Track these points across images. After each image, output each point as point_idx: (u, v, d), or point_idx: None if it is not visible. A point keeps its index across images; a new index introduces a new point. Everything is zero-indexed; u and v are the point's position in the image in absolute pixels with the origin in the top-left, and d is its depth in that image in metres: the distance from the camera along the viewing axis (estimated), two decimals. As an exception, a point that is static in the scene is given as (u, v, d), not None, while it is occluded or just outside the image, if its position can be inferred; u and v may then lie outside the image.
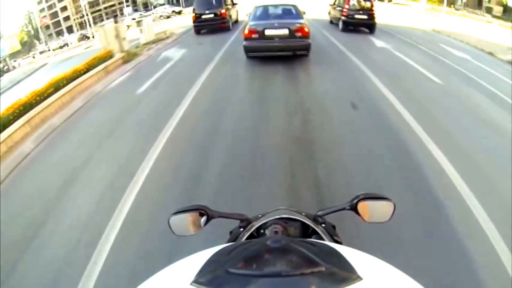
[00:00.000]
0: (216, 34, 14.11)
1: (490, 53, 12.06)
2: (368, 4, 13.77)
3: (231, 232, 1.47)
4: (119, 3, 63.38)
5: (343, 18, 13.68)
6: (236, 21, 17.37)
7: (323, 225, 1.36)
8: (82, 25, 57.02)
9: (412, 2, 36.60)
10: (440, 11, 28.17)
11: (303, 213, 1.39)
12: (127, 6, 62.28)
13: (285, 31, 7.97)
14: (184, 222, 1.29)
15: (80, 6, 64.08)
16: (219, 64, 9.09)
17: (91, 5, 70.72)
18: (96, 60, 10.06)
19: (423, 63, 9.14)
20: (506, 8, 42.58)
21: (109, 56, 10.69)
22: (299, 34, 8.02)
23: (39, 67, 29.38)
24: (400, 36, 13.79)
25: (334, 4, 15.59)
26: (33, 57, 42.82)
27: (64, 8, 73.87)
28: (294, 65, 8.30)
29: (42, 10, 80.00)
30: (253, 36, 8.09)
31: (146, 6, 64.94)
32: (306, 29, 8.07)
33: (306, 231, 1.32)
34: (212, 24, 14.67)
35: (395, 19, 17.98)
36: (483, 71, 9.11)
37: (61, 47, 42.21)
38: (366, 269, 0.74)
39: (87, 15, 37.77)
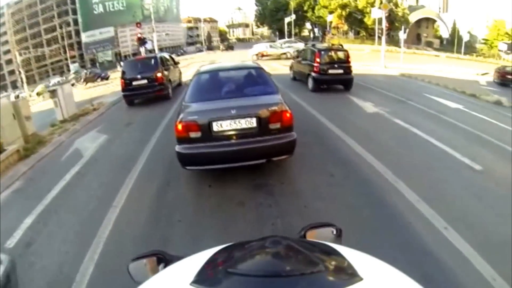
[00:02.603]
0: (153, 105, 11.00)
1: (473, 95, 12.37)
2: (342, 55, 11.29)
3: None
4: (66, 59, 59.77)
5: (313, 75, 10.91)
6: (179, 84, 14.38)
7: None
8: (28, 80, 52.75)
9: (363, 46, 37.06)
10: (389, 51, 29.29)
11: None
12: (73, 62, 59.07)
13: (251, 122, 4.36)
14: (143, 268, 1.27)
15: (29, 59, 59.99)
16: (145, 174, 5.50)
17: (37, 59, 66.62)
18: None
19: (435, 133, 6.71)
20: (441, 40, 46.10)
21: (-5, 152, 7.01)
22: (276, 124, 4.44)
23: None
24: (379, 90, 11.99)
25: (298, 57, 13.06)
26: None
27: (9, 61, 69.00)
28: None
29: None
30: (192, 135, 4.37)
31: (93, 63, 62.17)
32: (288, 114, 4.49)
33: None
34: (146, 93, 11.34)
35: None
36: (494, 127, 7.98)
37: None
38: (367, 269, 0.75)
39: (19, 73, 33.54)
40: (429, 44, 46.21)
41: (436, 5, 46.11)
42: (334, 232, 1.34)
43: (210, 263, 0.82)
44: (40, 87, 33.68)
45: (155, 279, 0.84)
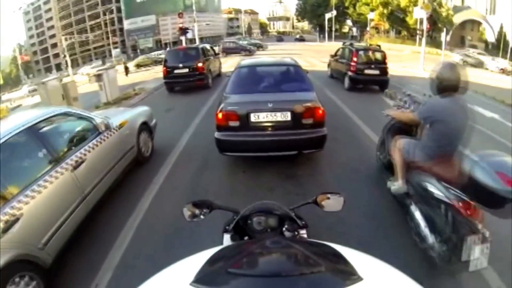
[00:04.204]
0: (192, 93, 11.50)
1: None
2: (379, 56, 11.33)
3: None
4: (108, 44, 61.94)
5: (349, 74, 11.03)
6: (219, 75, 14.80)
7: (293, 214, 1.50)
8: (72, 63, 55.46)
9: (404, 46, 36.06)
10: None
11: (281, 207, 1.50)
12: (115, 48, 60.98)
13: (285, 116, 4.68)
14: (193, 211, 1.59)
15: (73, 44, 62.82)
16: (184, 157, 5.89)
17: (81, 44, 69.72)
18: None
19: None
20: (487, 44, 43.38)
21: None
22: (308, 120, 4.72)
23: (13, 108, 26.05)
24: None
25: (336, 55, 13.16)
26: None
27: (54, 45, 72.71)
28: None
29: (33, 44, 78.99)
30: (231, 124, 4.74)
31: (134, 49, 64.18)
32: (321, 111, 4.75)
33: (282, 220, 1.46)
34: (187, 82, 11.87)
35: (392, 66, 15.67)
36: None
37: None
38: (367, 269, 0.75)
39: (64, 56, 35.21)
40: (473, 48, 44.09)
41: (483, 7, 43.46)
42: (340, 200, 1.66)
43: (210, 263, 0.82)
44: (140, 58, 36.55)
45: (155, 279, 0.83)
